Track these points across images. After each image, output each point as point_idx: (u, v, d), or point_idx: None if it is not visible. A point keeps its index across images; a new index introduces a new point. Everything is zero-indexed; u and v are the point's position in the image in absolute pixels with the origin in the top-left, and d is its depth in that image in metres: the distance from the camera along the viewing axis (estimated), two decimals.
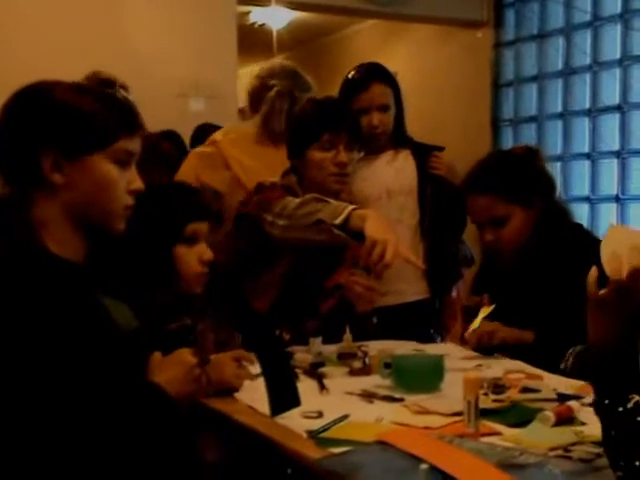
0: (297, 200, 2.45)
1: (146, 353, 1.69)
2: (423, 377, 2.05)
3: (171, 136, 4.45)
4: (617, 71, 5.05)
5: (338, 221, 2.28)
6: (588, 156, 5.26)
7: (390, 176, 3.12)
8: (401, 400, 1.91)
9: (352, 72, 3.15)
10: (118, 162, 1.58)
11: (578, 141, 5.34)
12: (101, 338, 1.51)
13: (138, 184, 1.62)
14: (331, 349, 2.38)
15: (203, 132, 4.84)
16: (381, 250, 2.17)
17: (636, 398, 1.26)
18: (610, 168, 5.13)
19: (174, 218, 2.08)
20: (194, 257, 2.09)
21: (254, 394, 1.90)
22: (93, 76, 3.72)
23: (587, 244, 2.37)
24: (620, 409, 1.27)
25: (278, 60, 3.70)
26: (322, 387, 2.05)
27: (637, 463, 1.21)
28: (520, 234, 2.42)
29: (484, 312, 2.41)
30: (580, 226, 2.59)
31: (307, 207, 2.39)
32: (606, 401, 1.30)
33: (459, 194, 2.98)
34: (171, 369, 1.66)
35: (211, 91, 5.34)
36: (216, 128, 4.89)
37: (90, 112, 1.55)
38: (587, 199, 5.25)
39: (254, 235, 2.54)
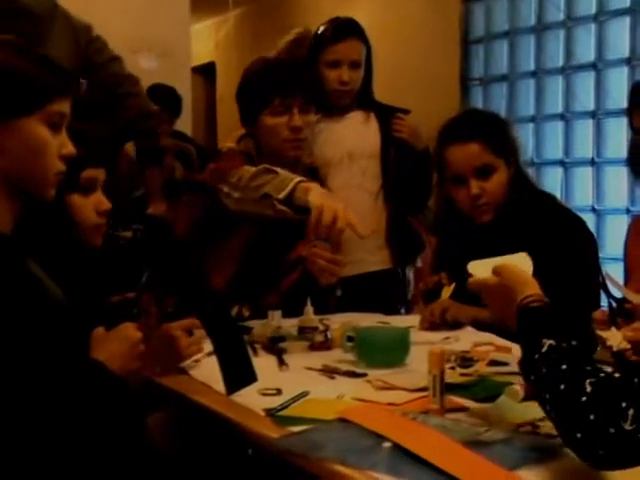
0: (252, 170, 2.43)
1: (87, 328, 1.68)
2: (387, 351, 2.06)
3: None
4: (592, 27, 5.03)
5: (282, 195, 2.29)
6: (562, 117, 5.26)
7: (353, 139, 3.12)
8: (364, 375, 1.93)
9: (325, 25, 3.14)
10: (51, 125, 1.56)
11: (551, 101, 5.34)
12: (38, 314, 1.50)
13: (69, 149, 1.61)
14: (291, 323, 2.39)
15: (154, 94, 4.80)
16: (331, 216, 2.17)
17: (548, 342, 1.34)
18: (585, 129, 5.13)
19: (68, 164, 2.01)
20: (90, 207, 2.03)
21: (209, 371, 1.89)
22: None
23: (555, 212, 2.43)
24: (536, 356, 1.34)
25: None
26: (281, 363, 2.06)
27: (592, 417, 1.21)
28: (503, 189, 2.48)
29: (446, 292, 2.43)
30: (547, 194, 2.62)
31: (258, 179, 2.39)
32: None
33: (424, 158, 3.00)
34: (114, 344, 1.65)
35: (163, 48, 5.29)
36: (169, 89, 4.86)
37: (22, 72, 1.53)
38: (561, 162, 5.26)
39: (210, 206, 2.54)
